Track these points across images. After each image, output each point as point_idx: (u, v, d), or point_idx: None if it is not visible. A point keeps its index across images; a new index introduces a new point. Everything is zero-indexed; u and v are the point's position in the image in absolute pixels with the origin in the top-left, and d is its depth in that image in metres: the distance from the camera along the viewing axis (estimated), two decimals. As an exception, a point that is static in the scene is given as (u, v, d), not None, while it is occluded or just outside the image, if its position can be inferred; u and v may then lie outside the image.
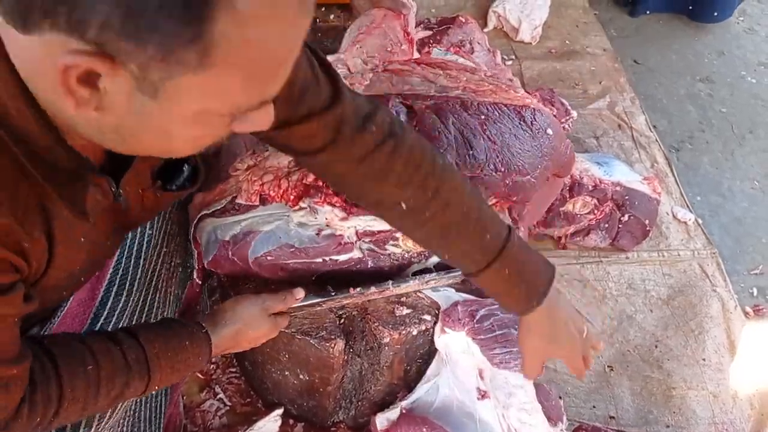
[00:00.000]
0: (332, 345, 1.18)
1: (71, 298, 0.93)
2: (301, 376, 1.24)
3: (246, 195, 1.14)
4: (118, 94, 0.53)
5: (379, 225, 1.12)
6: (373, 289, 1.15)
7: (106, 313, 0.97)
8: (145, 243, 1.04)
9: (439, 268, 1.21)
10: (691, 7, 2.62)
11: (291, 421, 1.39)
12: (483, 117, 1.24)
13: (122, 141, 0.61)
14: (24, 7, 0.49)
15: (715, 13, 2.59)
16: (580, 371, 1.07)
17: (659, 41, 2.55)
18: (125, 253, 1.01)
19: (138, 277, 1.02)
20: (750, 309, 1.72)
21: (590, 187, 1.72)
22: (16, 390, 0.71)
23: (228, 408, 1.41)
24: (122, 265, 1.00)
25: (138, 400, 1.09)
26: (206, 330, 0.97)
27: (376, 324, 1.18)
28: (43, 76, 0.55)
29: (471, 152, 1.17)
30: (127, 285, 1.01)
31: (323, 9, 1.98)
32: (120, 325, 0.98)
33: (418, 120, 1.21)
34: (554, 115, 1.85)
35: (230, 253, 1.16)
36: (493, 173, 1.18)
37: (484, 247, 0.94)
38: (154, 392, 1.05)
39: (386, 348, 1.19)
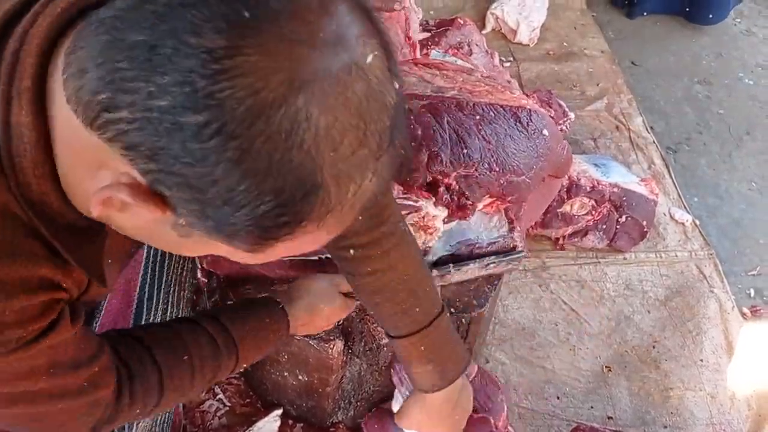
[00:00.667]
0: (331, 346, 1.18)
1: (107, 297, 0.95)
2: (300, 377, 1.24)
3: None
4: (147, 217, 0.49)
5: None
6: (434, 272, 1.16)
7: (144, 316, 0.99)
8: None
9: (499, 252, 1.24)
10: (687, 9, 2.63)
11: (290, 422, 1.39)
12: (478, 117, 1.24)
13: (121, 230, 0.58)
14: (102, 109, 0.45)
15: (710, 15, 2.59)
16: None
17: (657, 43, 2.56)
18: (150, 259, 1.03)
19: (164, 280, 1.04)
20: (747, 310, 1.73)
21: (588, 189, 1.73)
22: (106, 382, 0.71)
23: (227, 408, 1.42)
24: (149, 270, 1.02)
25: None
26: (282, 305, 0.98)
27: (374, 325, 1.18)
28: (81, 169, 0.51)
29: (466, 151, 1.18)
30: (156, 291, 1.02)
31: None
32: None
33: (413, 119, 1.21)
34: (552, 117, 1.86)
35: None
36: (488, 172, 1.18)
37: (410, 318, 0.95)
38: None
39: (385, 349, 1.19)
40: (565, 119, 1.88)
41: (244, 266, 1.17)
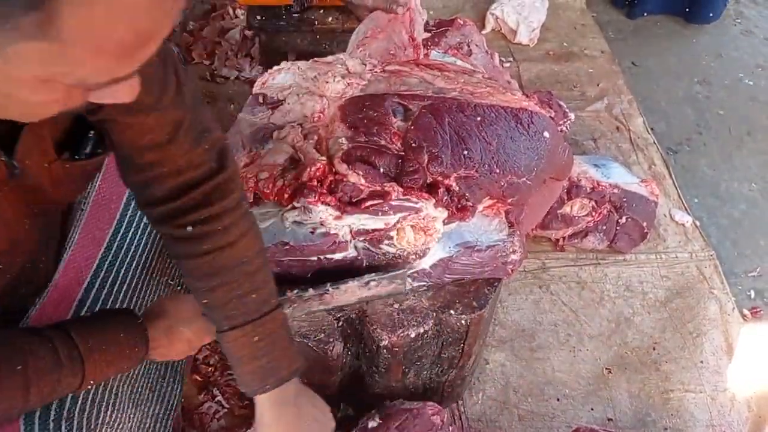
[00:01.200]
0: (331, 347, 1.17)
1: (46, 293, 0.93)
2: (299, 378, 1.24)
3: None
4: None
5: (373, 224, 1.12)
6: (311, 291, 1.13)
7: None
8: (127, 261, 1.04)
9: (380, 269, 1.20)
10: (687, 9, 2.63)
11: (289, 424, 1.38)
12: (479, 118, 1.24)
13: None
14: None
15: (711, 14, 2.59)
16: None
17: (657, 43, 2.55)
18: (103, 273, 1.01)
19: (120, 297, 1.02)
20: (747, 311, 1.72)
21: (588, 189, 1.72)
22: None
23: (226, 410, 1.41)
24: (103, 282, 1.00)
25: (150, 397, 1.07)
26: (142, 320, 0.92)
27: (374, 327, 1.18)
28: None
29: (466, 152, 1.17)
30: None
31: (321, 11, 1.98)
32: None
33: (414, 119, 1.21)
34: (552, 118, 1.86)
35: None
36: (488, 174, 1.18)
37: (246, 305, 0.91)
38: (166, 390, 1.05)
39: (384, 351, 1.19)
40: (566, 120, 1.88)
41: None
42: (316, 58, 1.38)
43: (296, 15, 1.97)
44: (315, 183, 1.09)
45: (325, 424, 1.06)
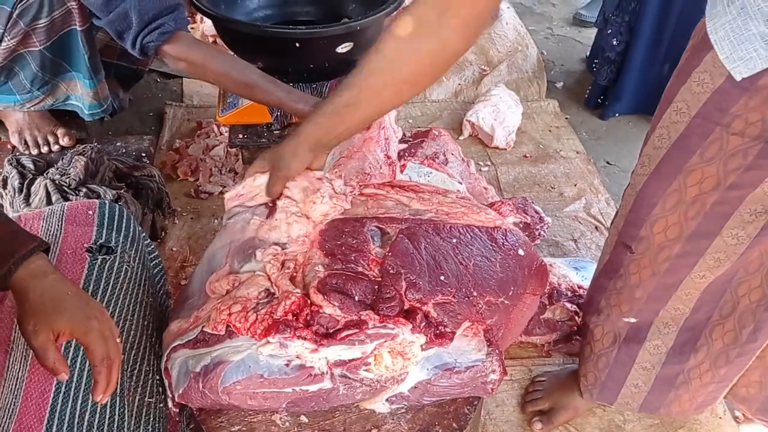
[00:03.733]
0: None
1: None
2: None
3: (213, 324, 1.14)
4: None
5: (350, 353, 1.11)
6: None
7: None
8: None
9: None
10: (657, 108, 2.73)
11: None
12: (455, 240, 1.26)
13: None
14: None
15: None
16: (104, 358, 0.95)
17: (630, 142, 2.63)
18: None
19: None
20: (740, 414, 1.68)
21: (569, 294, 1.72)
22: None
23: None
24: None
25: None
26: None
27: None
28: None
29: (443, 278, 1.18)
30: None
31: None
32: None
33: (391, 245, 1.22)
34: (528, 224, 1.89)
35: (201, 385, 1.14)
36: (466, 298, 1.18)
37: None
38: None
39: None
40: (542, 224, 1.91)
41: (215, 399, 1.15)
42: (307, 169, 1.38)
43: (277, 132, 2.04)
44: (290, 317, 1.09)
45: (99, 312, 0.99)
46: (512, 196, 2.23)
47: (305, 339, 1.07)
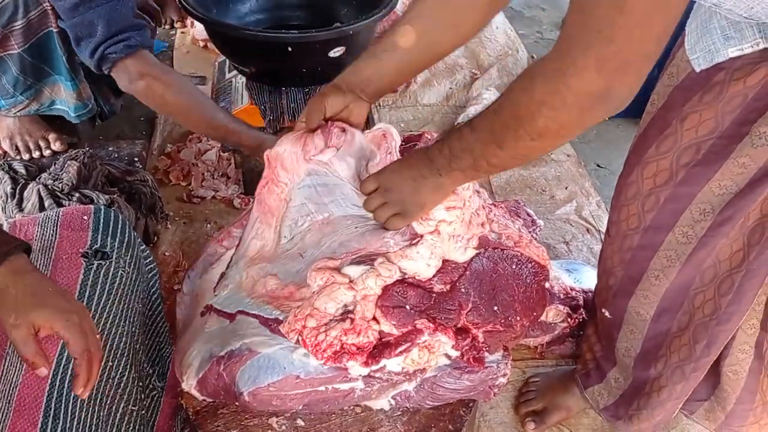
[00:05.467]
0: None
1: None
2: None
3: (287, 329, 1.12)
4: None
5: (392, 363, 1.14)
6: None
7: None
8: None
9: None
10: (646, 111, 2.76)
11: None
12: (513, 268, 1.28)
13: None
14: None
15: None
16: (84, 351, 0.96)
17: (620, 145, 2.66)
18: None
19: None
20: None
21: (561, 296, 1.73)
22: None
23: None
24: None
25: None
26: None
27: None
28: None
29: (496, 308, 1.20)
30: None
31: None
32: None
33: (470, 264, 1.21)
34: (522, 226, 1.90)
35: (221, 367, 1.15)
36: (509, 327, 1.22)
37: None
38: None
39: None
40: (535, 227, 1.92)
41: (229, 383, 1.15)
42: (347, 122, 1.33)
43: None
44: (356, 346, 1.10)
45: (79, 308, 1.00)
46: (504, 199, 2.24)
47: (357, 362, 1.09)
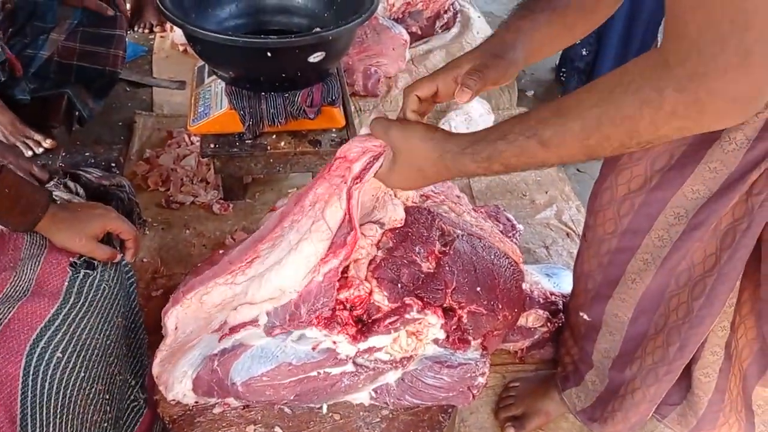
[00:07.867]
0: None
1: None
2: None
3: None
4: None
5: (381, 341, 1.15)
6: None
7: None
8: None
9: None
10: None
11: None
12: (492, 257, 1.32)
13: None
14: None
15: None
16: (131, 230, 1.29)
17: (599, 152, 2.67)
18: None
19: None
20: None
21: (541, 301, 1.74)
22: None
23: None
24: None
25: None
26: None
27: None
28: None
29: (478, 289, 1.23)
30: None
31: (273, 136, 2.04)
32: None
33: (453, 245, 1.25)
34: (501, 231, 1.90)
35: (215, 363, 1.17)
36: (492, 312, 1.24)
37: None
38: None
39: None
40: (514, 232, 1.93)
41: (222, 378, 1.15)
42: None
43: (249, 141, 2.03)
44: (346, 306, 1.12)
45: (105, 209, 1.28)
46: (485, 204, 2.25)
47: (347, 335, 1.10)
